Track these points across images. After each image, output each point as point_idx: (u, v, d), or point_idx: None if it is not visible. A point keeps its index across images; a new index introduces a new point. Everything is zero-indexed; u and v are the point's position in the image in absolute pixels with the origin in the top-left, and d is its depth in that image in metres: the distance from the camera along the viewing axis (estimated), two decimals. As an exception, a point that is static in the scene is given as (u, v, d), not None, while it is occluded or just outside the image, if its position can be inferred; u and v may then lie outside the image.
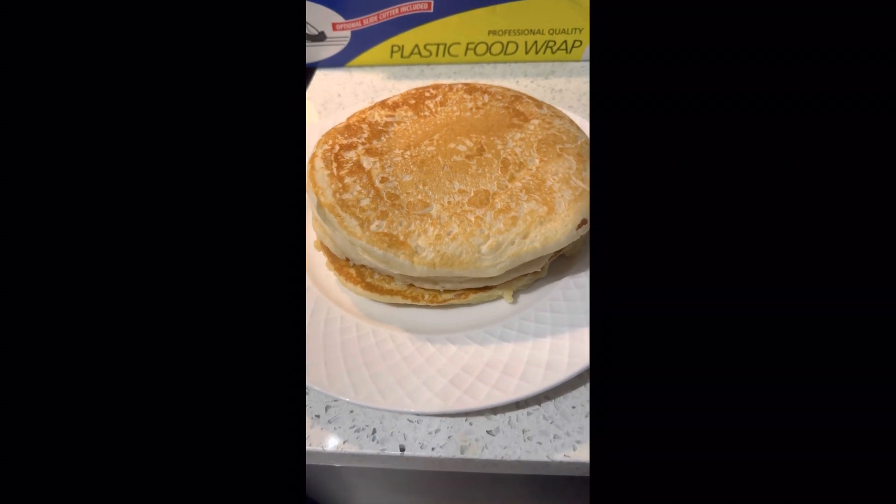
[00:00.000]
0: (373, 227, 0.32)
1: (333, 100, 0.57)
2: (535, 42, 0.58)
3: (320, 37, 0.59)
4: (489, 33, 0.58)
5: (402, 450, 0.30)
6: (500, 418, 0.31)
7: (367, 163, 0.36)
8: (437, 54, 0.60)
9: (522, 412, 0.31)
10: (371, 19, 0.57)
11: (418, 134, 0.38)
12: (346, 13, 0.56)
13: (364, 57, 0.60)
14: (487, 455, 0.29)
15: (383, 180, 0.35)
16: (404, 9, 0.56)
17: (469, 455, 0.29)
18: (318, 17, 0.57)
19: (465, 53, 0.60)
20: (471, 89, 0.42)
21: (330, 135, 0.38)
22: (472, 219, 0.32)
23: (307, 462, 0.31)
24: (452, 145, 0.37)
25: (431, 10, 0.56)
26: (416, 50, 0.60)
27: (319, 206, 0.34)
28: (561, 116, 0.40)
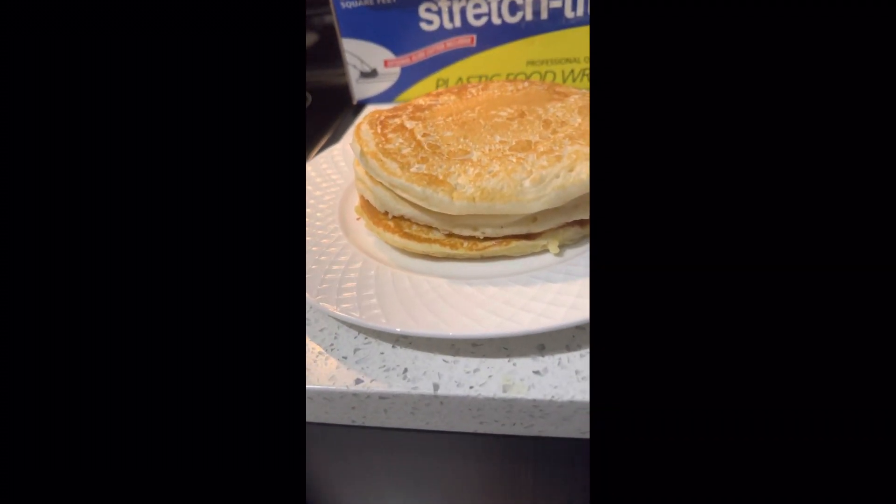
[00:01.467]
0: (413, 169, 0.32)
1: (381, 124, 0.61)
2: (573, 70, 0.62)
3: (372, 74, 0.65)
4: (528, 63, 0.62)
5: (436, 388, 0.26)
6: (548, 359, 0.27)
7: (409, 124, 0.37)
8: (479, 87, 0.64)
9: (575, 353, 0.27)
10: (419, 55, 0.63)
11: (460, 107, 0.39)
12: (397, 50, 0.63)
13: (411, 91, 0.65)
14: (535, 394, 0.25)
15: (425, 135, 0.35)
16: (450, 44, 0.61)
17: (513, 394, 0.25)
18: (371, 55, 0.63)
19: (506, 85, 0.64)
20: (512, 80, 0.44)
21: (376, 111, 0.40)
22: (514, 160, 0.32)
23: (324, 400, 0.28)
24: (493, 112, 0.38)
25: (474, 45, 0.61)
26: (459, 82, 0.64)
27: (362, 154, 0.34)
28: (601, 94, 0.41)
